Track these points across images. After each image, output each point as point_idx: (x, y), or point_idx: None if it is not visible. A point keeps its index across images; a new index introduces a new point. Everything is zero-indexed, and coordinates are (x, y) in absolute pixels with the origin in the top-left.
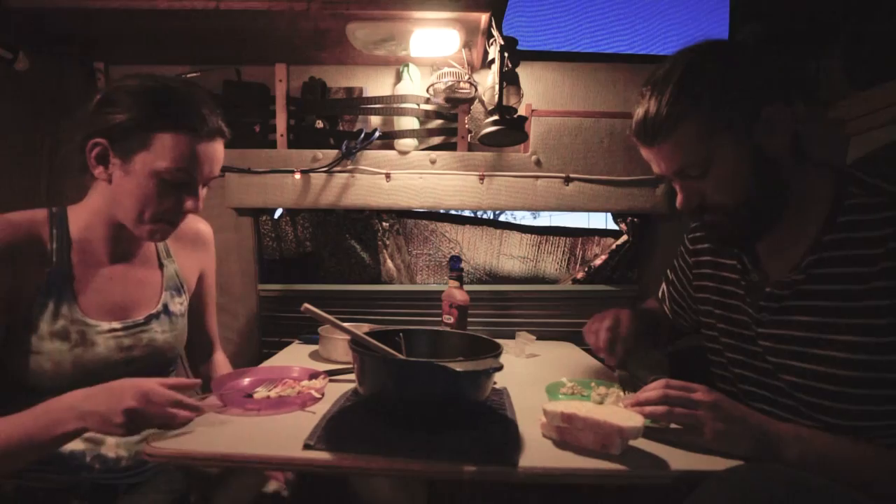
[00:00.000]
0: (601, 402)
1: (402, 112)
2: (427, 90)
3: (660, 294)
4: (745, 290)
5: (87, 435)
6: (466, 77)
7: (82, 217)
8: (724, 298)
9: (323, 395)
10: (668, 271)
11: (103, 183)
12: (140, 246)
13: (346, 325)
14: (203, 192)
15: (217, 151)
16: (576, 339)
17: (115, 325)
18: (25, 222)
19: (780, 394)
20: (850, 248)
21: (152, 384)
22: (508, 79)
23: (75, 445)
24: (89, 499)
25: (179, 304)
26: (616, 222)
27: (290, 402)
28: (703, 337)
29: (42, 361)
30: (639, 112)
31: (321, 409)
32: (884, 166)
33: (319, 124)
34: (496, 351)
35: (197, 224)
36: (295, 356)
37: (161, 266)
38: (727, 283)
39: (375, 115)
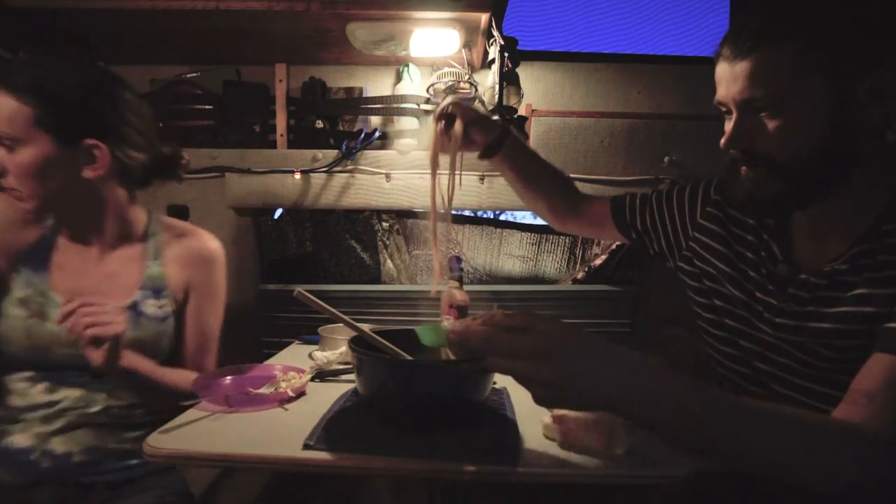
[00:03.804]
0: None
1: (402, 112)
2: (427, 90)
3: (616, 201)
4: (767, 277)
5: (34, 431)
6: (466, 77)
7: None
8: (738, 276)
9: (304, 393)
10: (654, 195)
11: None
12: (124, 241)
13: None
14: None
15: None
16: None
17: None
18: None
19: (773, 382)
20: None
21: None
22: (508, 79)
23: (20, 441)
24: (57, 498)
25: (155, 307)
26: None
27: (267, 399)
28: (697, 314)
29: (4, 326)
30: (742, 18)
31: (320, 409)
32: None
33: (319, 124)
34: None
35: (207, 242)
36: (295, 356)
37: (145, 265)
38: (744, 261)
39: (375, 115)
